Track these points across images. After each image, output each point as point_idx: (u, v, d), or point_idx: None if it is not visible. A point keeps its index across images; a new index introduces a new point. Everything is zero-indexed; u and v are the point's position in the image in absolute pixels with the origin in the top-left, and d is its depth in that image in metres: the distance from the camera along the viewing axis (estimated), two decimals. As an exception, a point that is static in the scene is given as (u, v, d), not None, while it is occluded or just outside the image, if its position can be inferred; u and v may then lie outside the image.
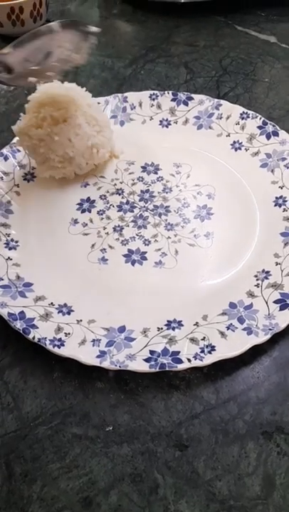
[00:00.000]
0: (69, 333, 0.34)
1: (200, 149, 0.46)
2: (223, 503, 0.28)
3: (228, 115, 0.48)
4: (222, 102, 0.48)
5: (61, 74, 0.39)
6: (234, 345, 0.32)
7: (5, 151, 0.45)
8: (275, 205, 0.41)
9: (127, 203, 0.43)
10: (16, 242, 0.40)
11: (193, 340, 0.33)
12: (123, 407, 0.32)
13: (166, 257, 0.39)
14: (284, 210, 0.41)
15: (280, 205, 0.41)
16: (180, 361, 0.32)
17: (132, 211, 0.42)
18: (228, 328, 0.34)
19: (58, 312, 0.35)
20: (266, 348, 0.34)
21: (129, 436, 0.30)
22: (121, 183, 0.45)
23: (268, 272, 0.37)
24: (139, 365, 0.32)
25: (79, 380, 0.33)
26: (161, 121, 0.49)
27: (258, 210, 0.41)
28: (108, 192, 0.44)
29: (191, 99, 0.49)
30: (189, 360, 0.32)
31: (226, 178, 0.44)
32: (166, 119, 0.49)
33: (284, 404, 0.31)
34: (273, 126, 0.46)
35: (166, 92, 0.49)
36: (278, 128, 0.46)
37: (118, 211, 0.42)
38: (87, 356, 0.32)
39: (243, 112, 0.47)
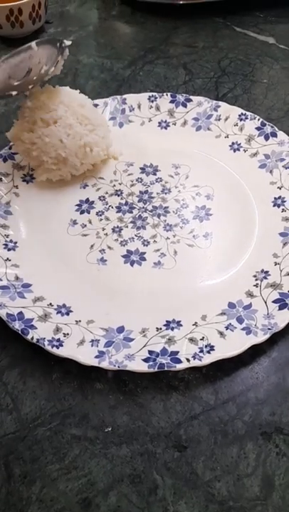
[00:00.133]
0: (68, 334, 0.34)
1: (199, 150, 0.47)
2: (222, 503, 0.28)
3: (227, 116, 0.48)
4: (220, 103, 0.48)
5: (40, 85, 0.41)
6: (233, 345, 0.32)
7: (4, 152, 0.45)
8: (274, 206, 0.41)
9: (126, 203, 0.43)
10: (15, 243, 0.40)
11: (192, 340, 0.33)
12: (122, 408, 0.31)
13: (165, 257, 0.39)
14: (283, 210, 0.41)
15: (278, 206, 0.41)
16: (179, 361, 0.32)
17: (131, 212, 0.42)
18: (227, 328, 0.34)
19: (57, 313, 0.35)
20: (265, 349, 0.34)
21: (128, 437, 0.30)
22: (120, 184, 0.45)
23: (266, 272, 0.37)
24: (138, 365, 0.32)
25: (78, 381, 0.33)
26: (160, 122, 0.49)
27: (257, 211, 0.41)
28: (107, 193, 0.44)
29: (190, 100, 0.49)
30: (188, 360, 0.32)
31: (224, 178, 0.44)
32: (165, 121, 0.49)
33: (283, 404, 0.31)
34: (272, 127, 0.46)
35: (164, 93, 0.50)
36: (277, 129, 0.46)
37: (117, 212, 0.42)
38: (86, 356, 0.32)
39: (242, 113, 0.47)
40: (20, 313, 0.35)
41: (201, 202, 0.43)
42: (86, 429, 0.31)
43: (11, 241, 0.40)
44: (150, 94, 0.50)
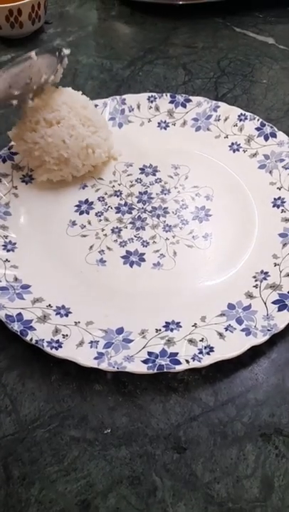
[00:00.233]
0: (67, 335, 0.34)
1: (198, 151, 0.46)
2: (221, 505, 0.28)
3: (226, 117, 0.48)
4: (220, 103, 0.48)
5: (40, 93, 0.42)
6: (233, 346, 0.32)
7: (3, 153, 0.45)
8: (274, 206, 0.41)
9: (125, 204, 0.43)
10: (14, 244, 0.40)
11: (191, 341, 0.33)
12: (121, 410, 0.31)
13: (164, 258, 0.39)
14: (282, 211, 0.41)
15: (278, 206, 0.41)
16: (178, 362, 0.32)
17: (130, 213, 0.42)
18: (226, 329, 0.33)
19: (56, 314, 0.35)
20: (264, 350, 0.34)
21: (127, 438, 0.30)
22: (119, 184, 0.45)
23: (266, 273, 0.37)
24: (137, 367, 0.32)
25: (77, 382, 0.33)
26: (159, 123, 0.49)
27: (257, 211, 0.41)
28: (106, 194, 0.44)
29: (189, 101, 0.49)
30: (187, 362, 0.32)
31: (224, 179, 0.44)
32: (165, 121, 0.49)
33: (282, 406, 0.31)
34: (271, 127, 0.46)
35: (164, 94, 0.49)
36: (276, 129, 0.46)
37: (116, 213, 0.42)
38: (85, 358, 0.32)
39: (241, 114, 0.47)
40: (20, 314, 0.35)
41: (200, 202, 0.43)
42: (85, 431, 0.31)
43: (10, 242, 0.40)
44: (150, 94, 0.49)
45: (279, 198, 0.42)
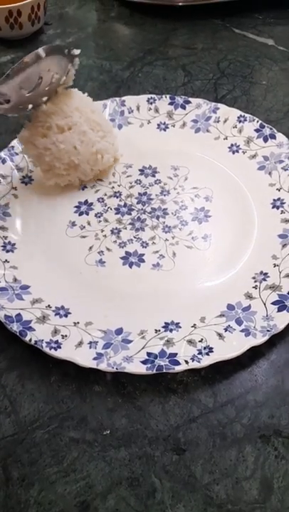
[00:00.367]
0: (66, 336, 0.33)
1: (197, 152, 0.46)
2: (220, 507, 0.28)
3: (226, 118, 0.48)
4: (219, 105, 0.48)
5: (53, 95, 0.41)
6: (232, 346, 0.32)
7: (2, 154, 0.45)
8: (273, 207, 0.41)
9: (125, 205, 0.43)
10: (13, 244, 0.40)
11: (190, 342, 0.33)
12: (121, 411, 0.31)
13: (163, 259, 0.39)
14: (282, 212, 0.41)
15: (277, 207, 0.41)
16: (177, 363, 0.32)
17: (130, 214, 0.42)
18: (225, 329, 0.33)
19: (55, 314, 0.35)
20: (264, 351, 0.34)
21: (126, 440, 0.30)
22: (119, 185, 0.45)
23: (266, 274, 0.37)
24: (136, 367, 0.32)
25: (76, 383, 0.33)
26: (158, 124, 0.49)
27: (256, 212, 0.41)
28: (106, 195, 0.44)
29: (189, 102, 0.49)
30: (187, 362, 0.31)
31: (223, 180, 0.44)
32: (164, 123, 0.49)
33: (282, 407, 0.31)
34: (270, 129, 0.46)
35: (163, 95, 0.50)
36: (275, 131, 0.46)
37: (116, 214, 0.42)
38: (84, 358, 0.32)
39: (241, 115, 0.47)
40: (19, 315, 0.35)
41: (200, 204, 0.43)
42: (84, 432, 0.31)
43: (9, 243, 0.40)
44: (149, 96, 0.50)
45: (278, 199, 0.42)
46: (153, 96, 0.50)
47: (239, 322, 0.34)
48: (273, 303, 0.35)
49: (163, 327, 0.34)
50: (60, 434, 0.31)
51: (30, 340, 0.33)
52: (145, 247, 0.40)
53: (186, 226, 0.41)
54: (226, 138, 0.47)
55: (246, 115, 0.47)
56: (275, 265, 0.37)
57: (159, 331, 0.34)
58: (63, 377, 0.33)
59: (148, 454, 0.30)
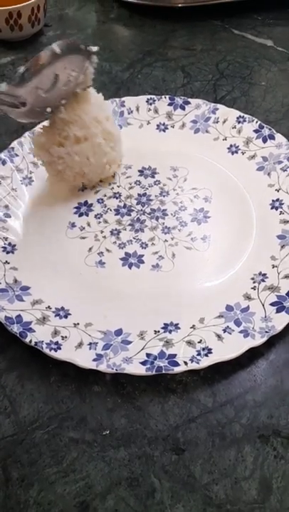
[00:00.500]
0: (66, 337, 0.34)
1: (197, 153, 0.47)
2: (219, 507, 0.28)
3: (225, 119, 0.48)
4: (218, 106, 0.48)
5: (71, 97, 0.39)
6: (231, 347, 0.32)
7: (3, 155, 0.45)
8: (272, 208, 0.41)
9: (124, 206, 0.43)
10: (13, 245, 0.40)
11: (189, 343, 0.33)
12: (120, 411, 0.31)
13: (163, 260, 0.39)
14: (280, 213, 0.41)
15: (276, 208, 0.41)
16: (176, 364, 0.32)
17: (129, 215, 0.42)
18: (224, 330, 0.34)
19: (55, 315, 0.35)
20: (263, 351, 0.34)
21: (126, 440, 0.30)
22: (118, 186, 0.45)
23: (264, 275, 0.37)
24: (136, 368, 0.32)
25: (76, 383, 0.33)
26: (158, 125, 0.49)
27: (255, 213, 0.41)
28: (105, 196, 0.44)
29: (188, 103, 0.49)
30: (186, 363, 0.32)
31: (222, 181, 0.44)
32: (164, 124, 0.49)
33: (281, 407, 0.31)
34: (269, 129, 0.46)
35: (163, 96, 0.50)
36: (274, 131, 0.46)
37: (115, 215, 0.43)
38: (84, 359, 0.32)
39: (240, 116, 0.47)
40: (19, 316, 0.35)
41: (199, 204, 0.43)
42: (84, 432, 0.31)
43: (9, 244, 0.40)
44: (148, 96, 0.50)
45: (277, 199, 0.42)
46: (152, 97, 0.50)
47: (238, 323, 0.34)
48: (272, 304, 0.35)
49: (162, 328, 0.34)
50: (60, 435, 0.31)
51: (31, 341, 0.33)
52: (145, 248, 0.40)
53: (186, 227, 0.41)
54: (225, 138, 0.47)
55: (245, 116, 0.47)
56: (273, 266, 0.37)
57: (159, 331, 0.34)
58: (63, 377, 0.33)
59: (147, 454, 0.30)
